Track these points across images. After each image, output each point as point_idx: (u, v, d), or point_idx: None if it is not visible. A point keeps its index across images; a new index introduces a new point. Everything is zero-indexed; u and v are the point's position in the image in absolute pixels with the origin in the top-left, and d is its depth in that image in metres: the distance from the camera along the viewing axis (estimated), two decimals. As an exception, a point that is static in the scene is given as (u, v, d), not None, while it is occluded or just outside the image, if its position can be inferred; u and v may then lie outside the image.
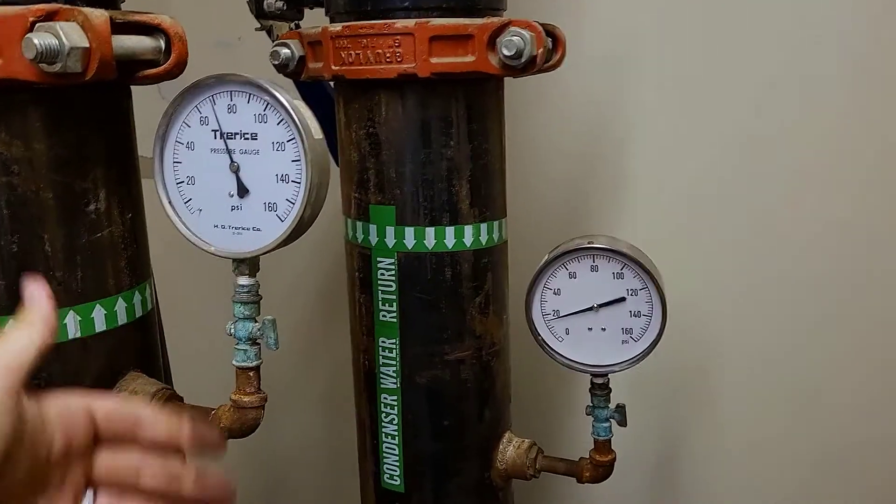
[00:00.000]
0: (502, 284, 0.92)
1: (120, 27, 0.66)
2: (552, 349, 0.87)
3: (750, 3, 1.13)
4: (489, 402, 0.92)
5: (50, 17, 0.63)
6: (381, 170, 0.86)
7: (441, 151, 0.85)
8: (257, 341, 0.73)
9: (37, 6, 0.63)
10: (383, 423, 0.91)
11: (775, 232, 1.17)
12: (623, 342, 0.85)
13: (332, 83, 0.91)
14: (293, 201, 0.69)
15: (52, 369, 0.72)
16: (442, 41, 0.80)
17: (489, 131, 0.88)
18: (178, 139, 0.72)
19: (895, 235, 1.13)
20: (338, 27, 0.83)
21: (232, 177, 0.71)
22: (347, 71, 0.83)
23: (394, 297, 0.87)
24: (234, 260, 0.72)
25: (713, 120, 1.16)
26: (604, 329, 0.85)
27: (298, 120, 0.67)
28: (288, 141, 0.69)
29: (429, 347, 0.88)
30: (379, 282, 0.88)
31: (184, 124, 0.72)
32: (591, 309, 0.85)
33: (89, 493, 0.53)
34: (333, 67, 0.83)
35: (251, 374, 0.73)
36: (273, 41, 0.92)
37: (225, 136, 0.70)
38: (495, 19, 0.81)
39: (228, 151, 0.70)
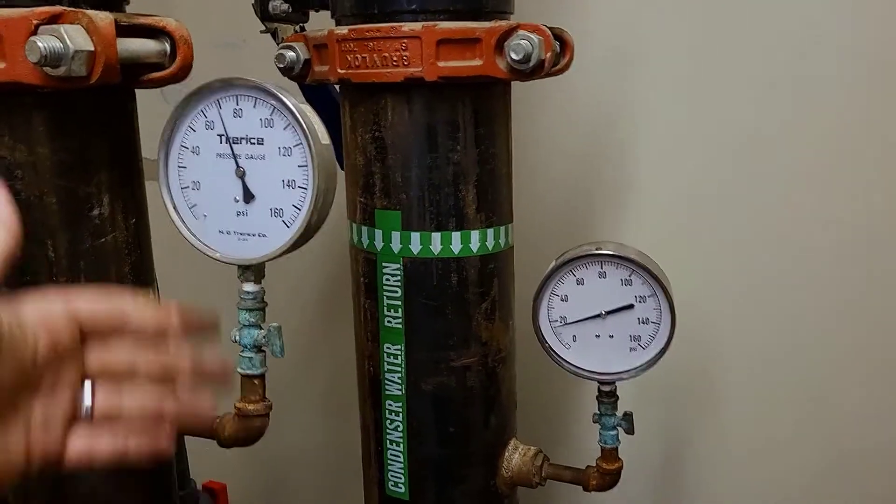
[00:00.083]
0: (508, 290, 0.91)
1: (125, 30, 0.66)
2: (559, 356, 0.86)
3: (750, 3, 1.12)
4: (495, 409, 0.91)
5: (54, 19, 0.62)
6: (387, 174, 0.85)
7: (447, 156, 0.84)
8: (262, 349, 0.73)
9: (41, 8, 0.62)
10: (388, 430, 0.90)
11: (776, 232, 1.16)
12: (631, 349, 0.84)
13: (337, 87, 0.90)
14: (300, 207, 0.69)
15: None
16: (449, 45, 0.79)
17: (496, 135, 0.87)
18: (183, 143, 0.71)
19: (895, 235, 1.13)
20: (344, 30, 0.82)
21: (237, 182, 0.70)
22: (353, 74, 0.82)
23: (399, 302, 0.87)
24: (240, 266, 0.72)
25: (715, 120, 1.16)
26: (611, 336, 0.85)
27: (305, 125, 0.67)
28: (294, 146, 0.68)
29: (434, 354, 0.87)
30: (384, 287, 0.87)
31: (189, 128, 0.71)
32: (598, 316, 0.84)
33: (87, 389, 0.52)
34: (339, 71, 0.83)
35: (256, 381, 0.73)
36: (278, 44, 0.91)
37: (231, 140, 0.70)
38: (503, 23, 0.80)
39: (234, 156, 0.70)
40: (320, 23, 0.90)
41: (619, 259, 0.83)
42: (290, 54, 0.86)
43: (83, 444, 0.52)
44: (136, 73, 0.68)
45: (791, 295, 1.17)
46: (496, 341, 0.90)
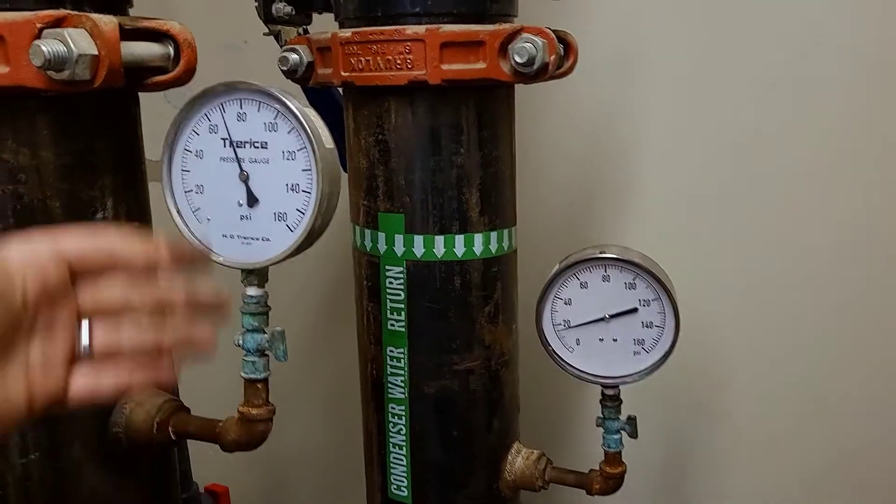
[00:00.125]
0: (511, 293, 0.91)
1: (128, 33, 0.66)
2: (563, 360, 0.86)
3: (750, 4, 1.12)
4: (498, 413, 0.91)
5: (58, 23, 0.62)
6: (391, 177, 0.85)
7: (451, 159, 0.84)
8: (266, 353, 0.72)
9: (45, 12, 0.62)
10: (391, 434, 0.90)
11: (776, 232, 1.17)
12: (635, 353, 0.84)
13: (340, 89, 0.90)
14: (303, 211, 0.68)
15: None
16: (453, 48, 0.79)
17: (500, 138, 0.87)
18: (186, 147, 0.71)
19: (895, 235, 1.13)
20: (347, 33, 0.82)
21: (241, 186, 0.69)
22: (357, 77, 0.82)
23: (402, 305, 0.86)
24: (243, 270, 0.71)
25: (715, 120, 1.16)
26: (615, 340, 0.84)
27: (309, 129, 0.66)
28: (298, 150, 0.68)
29: (437, 357, 0.87)
30: (387, 290, 0.87)
31: (192, 132, 0.70)
32: (602, 319, 0.84)
33: (84, 327, 0.52)
34: (343, 74, 0.82)
35: (259, 386, 0.72)
36: (281, 46, 0.91)
37: (234, 144, 0.69)
38: (507, 26, 0.80)
39: (238, 160, 0.69)
40: (323, 25, 0.90)
41: (623, 262, 0.83)
42: (294, 57, 0.86)
43: (85, 383, 0.53)
44: (139, 76, 0.68)
45: (791, 295, 1.17)
46: (499, 345, 0.89)
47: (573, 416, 1.29)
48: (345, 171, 0.89)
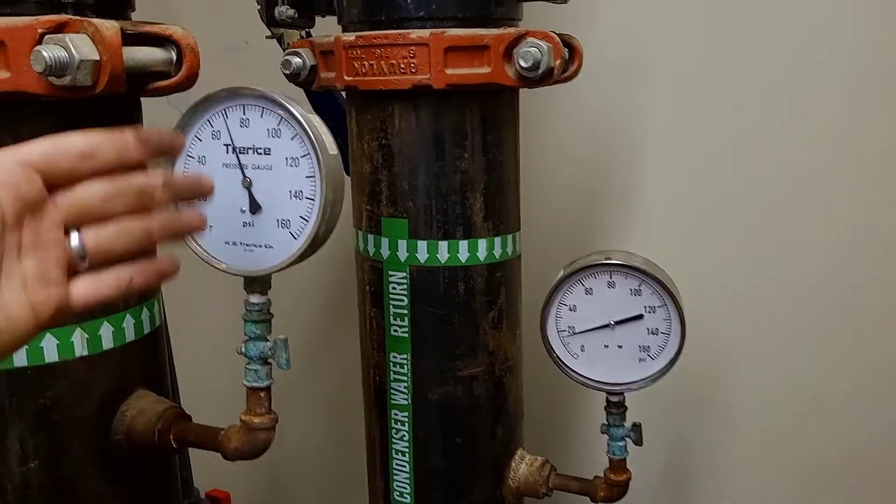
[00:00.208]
0: (515, 299, 0.90)
1: (130, 38, 0.65)
2: (567, 366, 0.85)
3: (751, 4, 1.12)
4: (502, 419, 0.90)
5: (59, 28, 0.61)
6: (394, 182, 0.84)
7: (455, 164, 0.83)
8: (268, 361, 0.72)
9: (46, 17, 0.61)
10: (394, 440, 0.89)
11: (776, 232, 1.16)
12: (640, 360, 0.84)
13: (343, 93, 0.89)
14: (307, 218, 0.67)
15: (59, 387, 0.70)
16: (457, 52, 0.78)
17: (504, 143, 0.86)
18: (189, 153, 0.70)
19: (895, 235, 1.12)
20: (351, 37, 0.81)
21: (244, 192, 0.69)
22: (360, 81, 0.81)
23: (405, 311, 0.86)
24: (246, 278, 0.71)
25: (717, 122, 1.16)
26: (620, 346, 0.84)
27: (313, 135, 0.65)
28: (302, 156, 0.67)
29: (441, 363, 0.87)
30: (390, 296, 0.86)
31: (195, 138, 0.70)
32: (607, 326, 0.83)
33: (74, 234, 0.52)
34: (346, 78, 0.82)
35: (262, 394, 0.72)
36: (284, 50, 0.90)
37: (237, 150, 0.68)
38: (511, 30, 0.79)
39: (241, 166, 0.69)
40: (326, 28, 0.89)
41: (629, 269, 0.82)
42: (297, 60, 0.85)
43: (87, 288, 0.53)
44: (141, 81, 0.68)
45: (791, 295, 1.17)
46: (503, 350, 0.89)
47: (577, 422, 1.28)
48: (347, 175, 0.88)
